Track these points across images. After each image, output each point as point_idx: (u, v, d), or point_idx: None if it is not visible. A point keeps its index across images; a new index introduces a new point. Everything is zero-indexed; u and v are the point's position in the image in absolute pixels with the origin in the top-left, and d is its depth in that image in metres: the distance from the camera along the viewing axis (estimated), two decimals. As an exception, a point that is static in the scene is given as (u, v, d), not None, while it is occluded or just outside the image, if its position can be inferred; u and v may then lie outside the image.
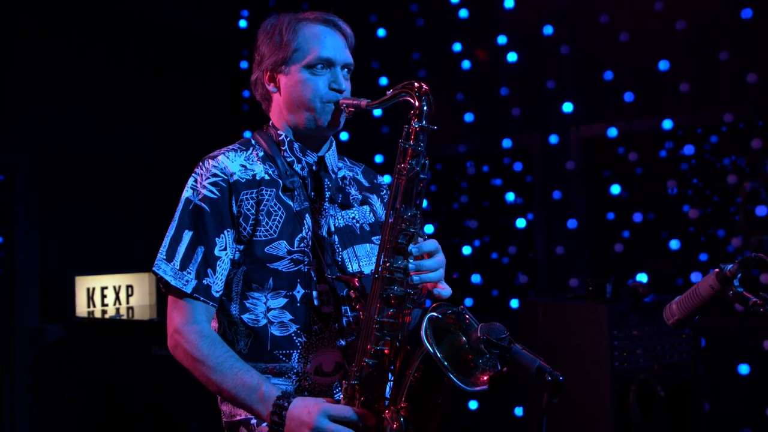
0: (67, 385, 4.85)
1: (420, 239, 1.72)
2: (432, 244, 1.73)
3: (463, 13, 5.05)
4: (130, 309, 5.24)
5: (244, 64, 5.71)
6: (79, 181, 5.34)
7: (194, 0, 5.91)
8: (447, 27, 5.18)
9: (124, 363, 4.38)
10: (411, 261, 1.69)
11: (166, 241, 1.83)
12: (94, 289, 5.09)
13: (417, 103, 1.69)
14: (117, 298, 5.20)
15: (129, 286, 5.30)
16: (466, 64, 5.05)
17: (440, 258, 1.75)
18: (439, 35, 5.25)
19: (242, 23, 5.66)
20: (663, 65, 4.35)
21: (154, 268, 1.81)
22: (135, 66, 5.65)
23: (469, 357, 1.53)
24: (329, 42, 1.87)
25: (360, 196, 2.02)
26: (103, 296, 5.13)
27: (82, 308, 4.99)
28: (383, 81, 5.16)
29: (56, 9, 5.20)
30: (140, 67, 5.68)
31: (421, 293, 1.73)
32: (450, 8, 5.09)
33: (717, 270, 1.57)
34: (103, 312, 5.09)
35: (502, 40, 4.91)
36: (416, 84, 1.70)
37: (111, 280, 5.21)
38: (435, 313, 1.59)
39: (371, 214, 2.02)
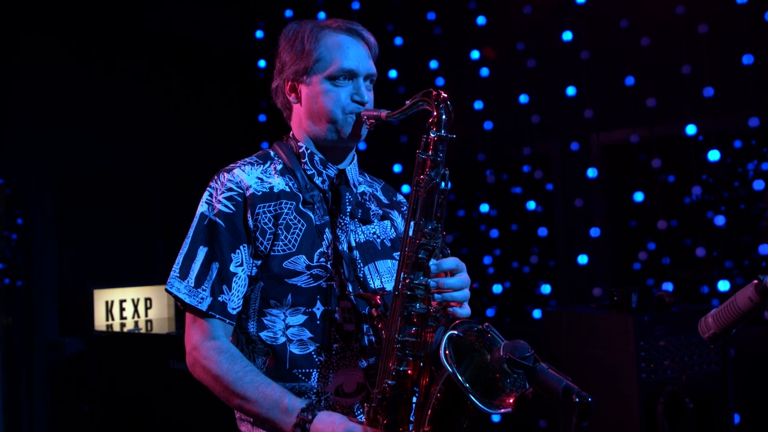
0: (85, 398, 4.83)
1: (441, 255, 1.66)
2: (453, 261, 1.66)
3: (481, 20, 5.00)
4: (148, 322, 5.22)
5: (260, 75, 5.68)
6: (97, 194, 5.33)
7: (208, 10, 5.90)
8: (465, 34, 5.13)
9: (142, 377, 4.35)
10: (432, 278, 1.63)
11: (179, 258, 1.79)
12: (112, 302, 5.07)
13: (435, 112, 1.64)
14: (135, 311, 5.18)
15: (147, 299, 5.28)
16: (484, 71, 4.99)
17: (464, 277, 1.68)
18: (457, 43, 5.20)
19: (258, 34, 5.64)
20: (685, 69, 4.27)
21: (167, 287, 1.77)
22: (149, 78, 5.65)
23: (496, 377, 1.46)
24: (352, 52, 1.82)
25: (380, 212, 1.97)
26: (122, 309, 5.12)
27: (100, 321, 4.98)
28: (401, 90, 5.11)
29: (72, 24, 5.22)
30: (154, 79, 5.68)
31: (445, 311, 1.66)
32: (467, 15, 5.04)
33: (756, 282, 1.50)
34: (122, 325, 5.07)
35: (520, 46, 4.85)
36: (434, 92, 1.65)
37: (129, 293, 5.19)
38: (456, 332, 1.52)
39: (392, 230, 1.96)
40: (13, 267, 5.17)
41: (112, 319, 5.04)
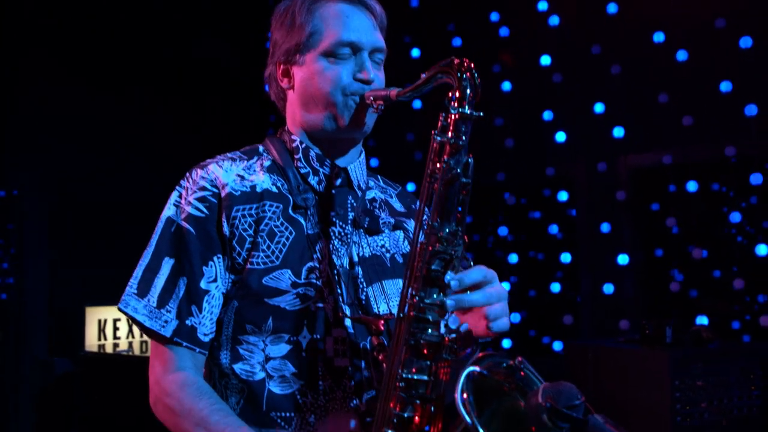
0: (72, 422, 4.60)
1: (460, 267, 1.31)
2: (478, 272, 1.31)
3: (504, 31, 4.74)
4: (143, 343, 4.98)
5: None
6: (93, 207, 5.15)
7: (222, 31, 5.76)
8: (486, 47, 4.88)
9: (132, 401, 4.09)
10: (450, 296, 1.28)
11: (137, 272, 1.48)
12: (105, 320, 4.85)
13: (457, 84, 1.31)
14: (130, 330, 4.96)
15: (143, 318, 5.04)
16: (506, 85, 4.73)
17: (494, 290, 1.32)
18: (478, 55, 4.93)
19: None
20: (725, 86, 3.97)
21: (120, 305, 1.46)
22: (149, 95, 5.49)
23: (531, 430, 1.11)
24: (353, 22, 1.52)
25: (392, 221, 1.64)
26: (116, 328, 4.89)
27: (92, 341, 4.76)
28: (416, 105, 4.86)
29: (89, 48, 5.14)
30: (155, 97, 5.52)
31: (465, 340, 1.32)
32: (490, 27, 4.79)
33: None
34: (115, 345, 4.85)
35: (545, 60, 4.59)
36: (456, 60, 1.32)
37: (124, 312, 4.96)
38: (477, 368, 1.17)
39: (405, 243, 1.63)
40: (3, 281, 4.99)
41: (105, 339, 4.82)
